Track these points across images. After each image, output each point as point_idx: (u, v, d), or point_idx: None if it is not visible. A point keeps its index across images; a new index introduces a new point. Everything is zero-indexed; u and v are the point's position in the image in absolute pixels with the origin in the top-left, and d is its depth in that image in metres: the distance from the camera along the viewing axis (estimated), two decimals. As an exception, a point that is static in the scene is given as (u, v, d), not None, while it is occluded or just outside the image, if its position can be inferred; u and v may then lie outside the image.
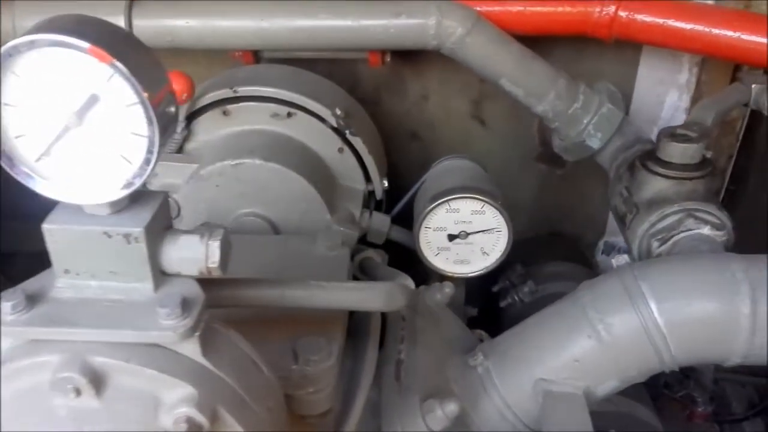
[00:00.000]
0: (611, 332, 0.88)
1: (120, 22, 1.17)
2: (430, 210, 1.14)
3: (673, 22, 1.21)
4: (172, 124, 0.52)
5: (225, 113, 1.21)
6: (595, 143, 1.24)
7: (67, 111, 0.49)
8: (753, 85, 1.13)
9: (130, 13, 1.18)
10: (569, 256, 1.61)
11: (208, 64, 1.45)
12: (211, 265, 0.56)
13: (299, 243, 1.06)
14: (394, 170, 1.54)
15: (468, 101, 1.59)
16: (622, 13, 1.23)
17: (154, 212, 0.55)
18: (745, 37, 1.17)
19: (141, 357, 0.52)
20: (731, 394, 1.79)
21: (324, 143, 1.23)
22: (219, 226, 0.58)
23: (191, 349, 0.54)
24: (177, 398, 0.52)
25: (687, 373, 1.80)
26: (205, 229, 0.57)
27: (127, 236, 0.53)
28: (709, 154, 1.05)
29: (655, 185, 1.06)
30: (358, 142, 1.24)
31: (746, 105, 1.15)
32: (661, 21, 1.21)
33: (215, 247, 0.56)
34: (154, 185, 1.20)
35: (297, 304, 0.72)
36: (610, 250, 1.57)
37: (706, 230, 1.00)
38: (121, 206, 0.55)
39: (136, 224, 0.53)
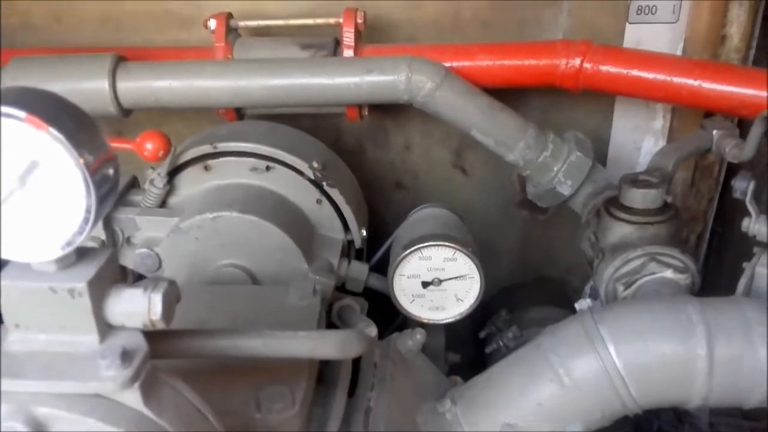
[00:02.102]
0: (572, 376, 0.90)
1: (104, 84, 1.23)
2: (403, 258, 1.17)
3: (636, 72, 1.25)
4: (111, 186, 0.56)
5: (206, 168, 1.25)
6: (566, 190, 1.26)
7: (11, 176, 0.53)
8: (714, 131, 1.16)
9: (114, 76, 1.24)
10: (555, 301, 1.62)
11: (196, 120, 1.51)
12: (153, 317, 0.59)
13: (272, 293, 1.09)
14: (380, 219, 1.58)
15: (449, 151, 1.63)
16: (587, 65, 1.27)
17: (99, 268, 0.58)
18: (706, 85, 1.20)
19: (82, 407, 0.55)
20: (728, 439, 1.77)
21: (302, 195, 1.27)
22: (165, 279, 0.61)
23: (132, 399, 0.57)
24: (115, 446, 0.55)
25: (681, 418, 1.79)
26: (149, 282, 0.60)
27: (71, 291, 0.57)
28: (669, 199, 1.07)
29: (619, 230, 1.09)
30: (335, 194, 1.28)
31: (708, 150, 1.17)
32: (625, 71, 1.25)
33: (157, 300, 0.59)
34: (137, 239, 1.26)
35: (250, 354, 0.74)
36: (596, 294, 1.58)
37: (668, 273, 1.02)
38: (68, 263, 0.58)
39: (79, 279, 0.57)
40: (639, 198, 1.06)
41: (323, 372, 1.03)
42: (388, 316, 1.33)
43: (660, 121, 1.52)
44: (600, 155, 1.57)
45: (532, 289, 1.70)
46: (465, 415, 0.97)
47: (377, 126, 1.59)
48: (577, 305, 0.98)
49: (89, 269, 0.58)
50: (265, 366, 0.90)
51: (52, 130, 0.51)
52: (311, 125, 1.50)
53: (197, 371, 0.87)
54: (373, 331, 0.90)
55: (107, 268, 0.59)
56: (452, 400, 0.99)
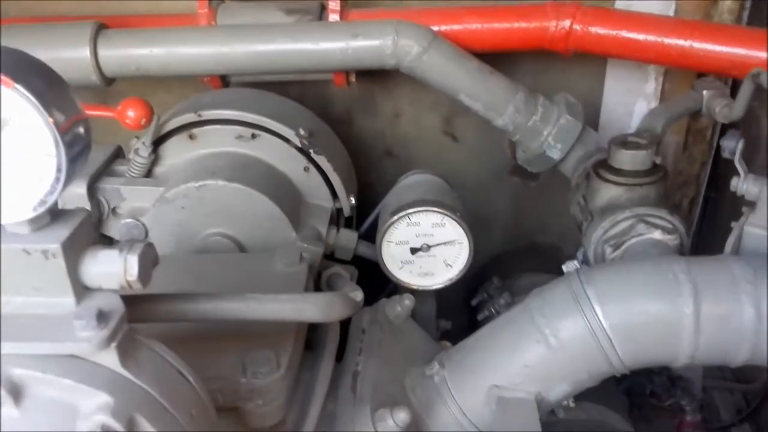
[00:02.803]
0: (559, 337, 0.90)
1: (86, 52, 1.21)
2: (391, 224, 1.16)
3: (626, 33, 1.23)
4: (82, 147, 0.55)
5: (191, 137, 1.24)
6: (555, 154, 1.25)
7: (-20, 134, 0.52)
8: (704, 92, 1.15)
9: (95, 44, 1.22)
10: (547, 267, 1.62)
11: (181, 90, 1.49)
12: (129, 278, 0.58)
13: (258, 260, 1.09)
14: (370, 188, 1.57)
15: (439, 118, 1.62)
16: (577, 27, 1.25)
17: (73, 229, 0.57)
18: (697, 45, 1.19)
19: (58, 368, 0.55)
20: (720, 402, 1.78)
21: (289, 163, 1.26)
22: (142, 241, 0.61)
23: (109, 360, 0.56)
24: (93, 407, 0.54)
25: (674, 381, 1.80)
26: (126, 243, 0.60)
27: (45, 252, 0.56)
28: (658, 160, 1.06)
29: (607, 192, 1.08)
30: (323, 161, 1.26)
31: (699, 111, 1.16)
32: (614, 33, 1.24)
33: (133, 261, 0.58)
34: (123, 209, 1.25)
35: (233, 317, 0.74)
36: (588, 260, 1.58)
37: (657, 235, 1.02)
38: (41, 224, 0.57)
39: (53, 241, 0.56)
40: (628, 159, 1.06)
41: (312, 338, 1.03)
42: (379, 284, 1.33)
43: (652, 83, 1.50)
44: (592, 119, 1.55)
45: (524, 257, 1.70)
46: (452, 378, 0.97)
47: (366, 93, 1.57)
48: (564, 267, 0.98)
49: (63, 230, 0.57)
50: (252, 331, 0.89)
51: (19, 87, 0.50)
52: (299, 93, 1.48)
53: (183, 337, 0.86)
54: (358, 295, 0.89)
55: (82, 229, 0.59)
56: (440, 364, 0.99)
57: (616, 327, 0.87)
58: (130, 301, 0.71)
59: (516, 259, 1.68)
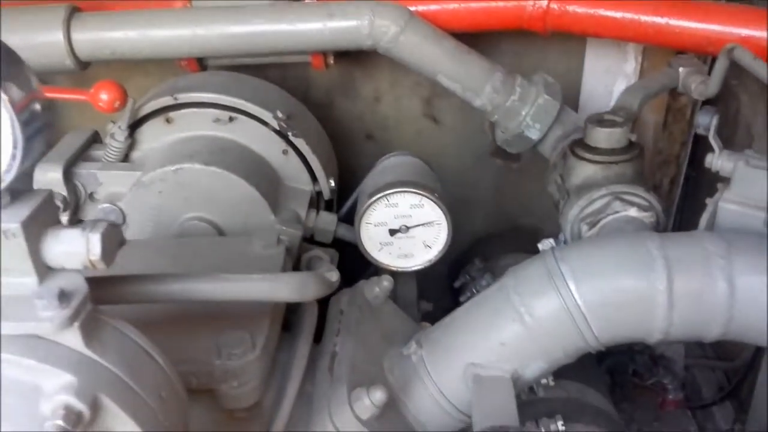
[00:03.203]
0: (534, 315, 0.90)
1: (59, 36, 1.20)
2: (369, 205, 1.16)
3: (603, 12, 1.23)
4: (40, 125, 0.54)
5: (168, 120, 1.23)
6: (534, 134, 1.25)
7: (-69, 113, 0.51)
8: (680, 69, 1.15)
9: (68, 27, 1.21)
10: (529, 249, 1.62)
11: (159, 74, 1.48)
12: (92, 258, 0.58)
13: (235, 243, 1.08)
14: (351, 171, 1.56)
15: (419, 100, 1.61)
16: (554, 6, 1.25)
17: (34, 208, 0.57)
18: (673, 22, 1.19)
19: (20, 348, 0.54)
20: (702, 380, 1.80)
21: (267, 146, 1.25)
22: (106, 220, 0.60)
23: (72, 339, 0.56)
24: (57, 387, 0.54)
25: (656, 361, 1.81)
26: (89, 223, 0.59)
27: (5, 232, 0.55)
28: (634, 138, 1.06)
29: (583, 171, 1.08)
30: (301, 144, 1.26)
31: (675, 89, 1.16)
32: (591, 11, 1.23)
33: (96, 239, 0.57)
34: (100, 194, 1.24)
35: (204, 298, 0.74)
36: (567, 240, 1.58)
37: (632, 212, 1.02)
38: (2, 204, 0.57)
39: (13, 220, 0.55)
40: (603, 137, 1.06)
41: (291, 320, 1.03)
42: (361, 267, 1.33)
43: (632, 63, 1.50)
44: (572, 99, 1.55)
45: (506, 239, 1.70)
46: (430, 358, 0.97)
47: (345, 76, 1.57)
48: (540, 245, 0.98)
49: (23, 210, 0.57)
50: (227, 313, 0.89)
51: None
52: (278, 77, 1.47)
53: (158, 320, 0.86)
54: (333, 275, 0.89)
55: (43, 208, 0.58)
56: (418, 343, 0.99)
57: (590, 304, 0.87)
58: (99, 282, 0.71)
59: (498, 241, 1.68)
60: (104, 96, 1.05)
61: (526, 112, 1.25)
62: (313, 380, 0.96)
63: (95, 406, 0.55)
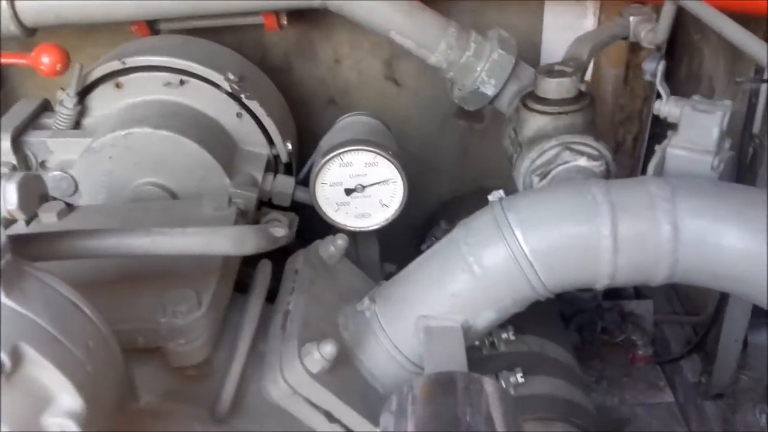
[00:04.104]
0: (482, 264, 0.90)
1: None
2: (323, 165, 1.15)
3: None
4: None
5: (118, 86, 1.21)
6: (489, 90, 1.25)
7: None
8: (631, 18, 1.14)
9: (11, -8, 1.18)
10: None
11: (112, 42, 1.44)
12: (9, 207, 0.57)
13: (186, 206, 1.08)
14: (313, 137, 1.54)
15: (380, 62, 1.59)
16: (508, -42, 1.23)
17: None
18: (624, -29, 1.17)
19: (-63, 299, 0.54)
20: (670, 336, 1.82)
21: (221, 109, 1.24)
22: (27, 172, 0.59)
23: (-9, 290, 0.55)
24: (-25, 336, 0.53)
25: (625, 317, 1.83)
26: (7, 174, 0.58)
27: None
28: (583, 87, 1.06)
29: (535, 122, 1.08)
30: (255, 106, 1.24)
31: (626, 38, 1.15)
32: (545, -37, 1.22)
33: (11, 189, 0.56)
34: (51, 162, 1.22)
35: (140, 252, 0.73)
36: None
37: (582, 162, 1.02)
38: None
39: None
40: (553, 88, 1.05)
41: (247, 284, 1.03)
42: (323, 231, 1.32)
43: (590, 18, 1.50)
44: (532, 57, 1.54)
45: (472, 201, 1.68)
46: (383, 312, 0.97)
47: (303, 39, 1.55)
48: (490, 197, 0.98)
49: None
50: (175, 273, 0.89)
51: None
52: (234, 41, 1.45)
53: (106, 279, 0.86)
54: (278, 231, 0.88)
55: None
56: (371, 299, 0.99)
57: (536, 251, 0.88)
58: (32, 239, 0.70)
59: (464, 204, 1.66)
60: (46, 59, 1.03)
61: (481, 68, 1.24)
62: (267, 339, 0.96)
63: (16, 356, 0.54)
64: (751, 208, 0.84)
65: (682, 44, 1.69)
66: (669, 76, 1.72)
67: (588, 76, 1.57)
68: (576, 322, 1.77)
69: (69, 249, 0.70)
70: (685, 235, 0.84)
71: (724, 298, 1.54)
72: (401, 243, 1.45)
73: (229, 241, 0.76)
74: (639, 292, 1.90)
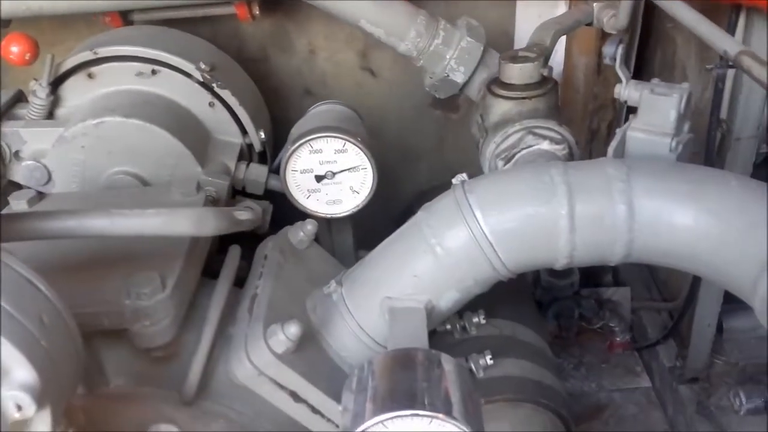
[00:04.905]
0: (444, 246, 0.91)
1: (-29, -8, 1.18)
2: (293, 152, 1.16)
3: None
4: None
5: (90, 76, 1.22)
6: (459, 77, 1.26)
7: None
8: (594, 4, 1.16)
9: (-20, -16, 1.19)
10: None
11: (89, 35, 1.45)
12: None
13: (155, 192, 1.09)
14: (290, 127, 1.56)
15: (355, 53, 1.61)
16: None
17: None
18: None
19: None
20: (647, 321, 1.84)
21: (193, 98, 1.25)
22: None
23: (-58, 266, 0.57)
24: (-76, 310, 0.55)
25: (602, 304, 1.85)
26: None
27: None
28: (546, 72, 1.07)
29: (499, 108, 1.09)
30: (227, 95, 1.26)
31: (590, 24, 1.17)
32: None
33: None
34: (25, 152, 1.24)
35: (99, 233, 0.74)
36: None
37: (545, 145, 1.03)
38: None
39: None
40: (516, 73, 1.07)
41: (218, 270, 1.04)
42: (297, 219, 1.33)
43: (562, 7, 1.51)
44: (506, 46, 1.55)
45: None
46: (349, 294, 0.98)
47: (278, 30, 1.56)
48: (453, 180, 0.99)
49: None
50: (140, 256, 0.90)
51: None
52: (209, 32, 1.47)
53: (72, 262, 0.87)
54: (243, 214, 0.90)
55: None
56: (338, 282, 1.01)
57: (496, 232, 0.89)
58: (-8, 221, 0.72)
59: (441, 193, 1.69)
60: (14, 48, 1.04)
61: (450, 56, 1.26)
62: (234, 322, 0.98)
63: (-33, 329, 0.56)
64: (705, 187, 0.86)
65: (656, 33, 1.71)
66: (644, 65, 1.74)
67: (560, 65, 1.59)
68: (554, 310, 1.79)
69: (29, 230, 0.72)
70: (640, 214, 0.86)
71: (696, 282, 1.57)
72: (380, 232, 1.46)
73: (188, 221, 0.77)
74: (617, 279, 1.93)
